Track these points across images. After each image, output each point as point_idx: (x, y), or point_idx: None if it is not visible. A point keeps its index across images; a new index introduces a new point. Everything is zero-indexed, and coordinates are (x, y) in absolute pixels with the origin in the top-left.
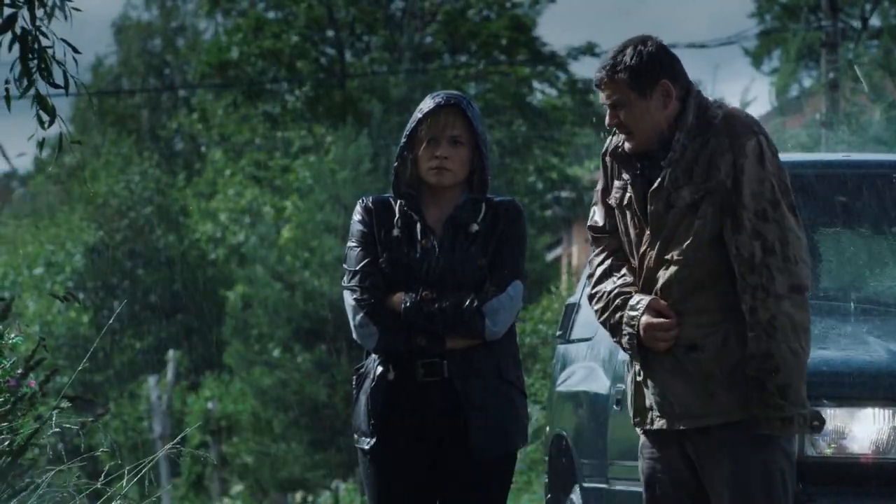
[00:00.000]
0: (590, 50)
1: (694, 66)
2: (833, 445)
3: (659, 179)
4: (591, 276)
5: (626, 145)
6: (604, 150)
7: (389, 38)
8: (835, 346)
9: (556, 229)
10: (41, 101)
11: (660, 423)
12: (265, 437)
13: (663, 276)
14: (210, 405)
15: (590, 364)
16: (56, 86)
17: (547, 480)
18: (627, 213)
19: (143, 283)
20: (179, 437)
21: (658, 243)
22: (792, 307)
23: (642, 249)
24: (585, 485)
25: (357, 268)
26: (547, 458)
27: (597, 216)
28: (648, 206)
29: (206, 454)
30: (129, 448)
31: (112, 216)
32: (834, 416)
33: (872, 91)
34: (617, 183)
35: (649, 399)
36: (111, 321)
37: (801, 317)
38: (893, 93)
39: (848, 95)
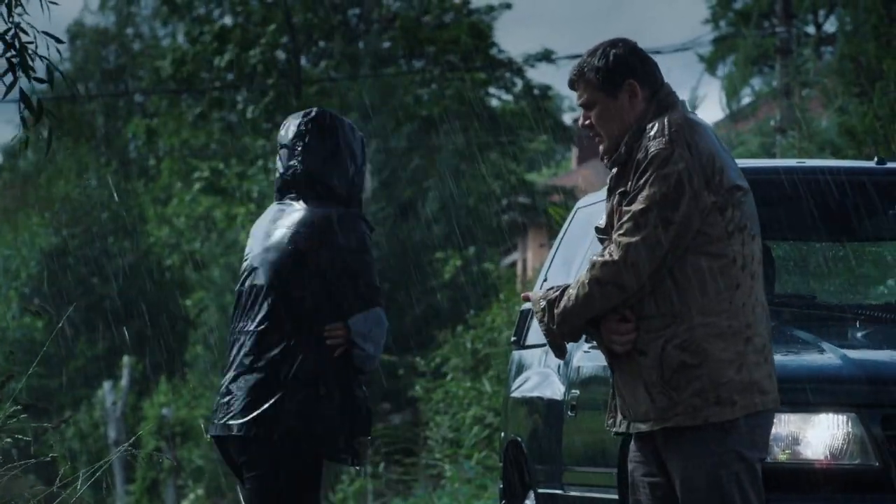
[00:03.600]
0: (546, 56)
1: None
2: (787, 451)
3: (614, 181)
4: None
5: (600, 147)
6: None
7: (346, 45)
8: (789, 351)
9: (511, 235)
10: (25, 100)
11: (623, 426)
12: None
13: None
14: (164, 411)
15: (544, 370)
16: (40, 80)
17: (501, 486)
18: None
19: (99, 289)
20: (132, 439)
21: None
22: (588, 280)
23: None
24: (540, 490)
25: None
26: (501, 464)
27: (602, 218)
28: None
29: (165, 456)
30: (85, 454)
31: (68, 222)
32: (788, 422)
33: (825, 96)
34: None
35: (623, 401)
36: (59, 325)
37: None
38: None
39: (798, 101)
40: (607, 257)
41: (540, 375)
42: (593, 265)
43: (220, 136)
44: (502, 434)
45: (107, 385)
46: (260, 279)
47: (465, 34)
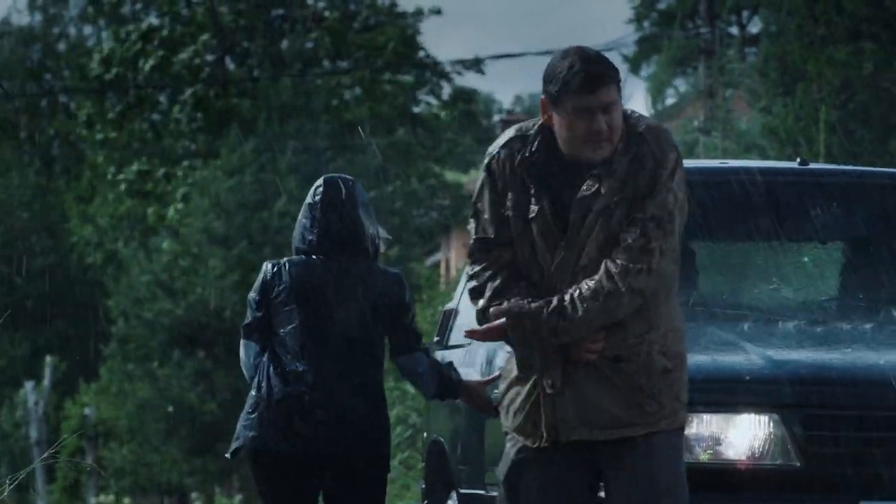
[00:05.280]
0: (476, 64)
1: None
2: (709, 451)
3: (594, 186)
4: (477, 289)
5: (599, 153)
6: (492, 160)
7: (269, 45)
8: (711, 352)
9: (433, 236)
10: None
11: (578, 435)
12: (142, 444)
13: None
14: (86, 411)
15: (466, 370)
16: None
17: (424, 486)
18: (534, 224)
19: (21, 289)
20: (56, 444)
21: (573, 251)
22: (625, 289)
23: (557, 260)
24: (462, 491)
25: None
26: (424, 464)
27: (486, 228)
28: (572, 214)
29: (89, 463)
30: (6, 454)
31: None
32: (710, 422)
33: (749, 97)
34: (515, 195)
35: (563, 412)
36: None
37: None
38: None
39: (721, 102)
40: (642, 266)
41: (462, 376)
42: (626, 272)
43: (142, 135)
44: (425, 434)
45: (28, 385)
46: (339, 322)
47: (393, 38)
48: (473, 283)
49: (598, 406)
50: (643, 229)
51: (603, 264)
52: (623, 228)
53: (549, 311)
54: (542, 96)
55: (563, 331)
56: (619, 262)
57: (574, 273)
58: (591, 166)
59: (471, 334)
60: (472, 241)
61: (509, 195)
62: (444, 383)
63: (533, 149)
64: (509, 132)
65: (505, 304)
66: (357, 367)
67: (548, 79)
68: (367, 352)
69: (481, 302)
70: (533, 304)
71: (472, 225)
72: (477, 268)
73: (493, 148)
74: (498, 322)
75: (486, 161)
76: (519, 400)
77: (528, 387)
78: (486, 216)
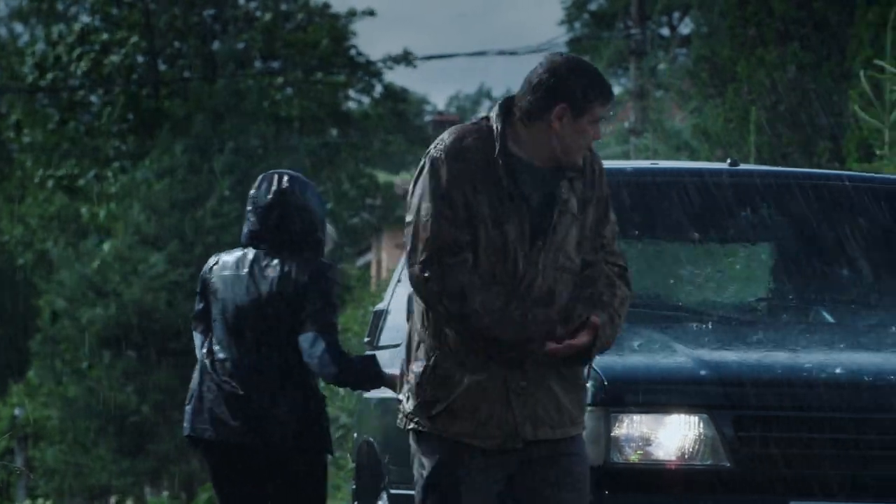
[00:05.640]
0: (405, 58)
1: (505, 74)
2: (639, 452)
3: (570, 190)
4: (453, 293)
5: (576, 159)
6: (454, 160)
7: (201, 45)
8: (641, 352)
9: (364, 236)
10: None
11: (543, 434)
12: (72, 445)
13: (557, 284)
14: (16, 412)
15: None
16: None
17: (354, 487)
18: (510, 227)
19: None
20: None
21: (552, 252)
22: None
23: (537, 262)
24: (392, 491)
25: None
26: (354, 465)
27: (455, 229)
28: (555, 216)
29: (18, 467)
30: None
31: None
32: (640, 423)
33: (680, 98)
34: (487, 197)
35: (533, 410)
36: None
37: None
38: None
39: (652, 104)
40: (629, 274)
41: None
42: (629, 280)
43: (74, 134)
44: (355, 434)
45: None
46: (253, 311)
47: (325, 37)
48: (444, 286)
49: (560, 404)
50: (614, 235)
51: (613, 272)
52: (599, 233)
53: (612, 322)
54: (563, 104)
55: (615, 339)
56: (623, 266)
57: (553, 274)
58: (561, 171)
59: (568, 347)
60: (441, 244)
61: (484, 199)
62: (349, 370)
63: (506, 152)
64: (463, 134)
65: (592, 316)
66: (277, 359)
67: (573, 87)
68: (288, 343)
69: (468, 304)
70: (599, 317)
71: (433, 229)
72: (442, 271)
73: (451, 148)
74: (589, 332)
75: (446, 161)
76: (484, 403)
77: (495, 388)
78: (461, 216)
